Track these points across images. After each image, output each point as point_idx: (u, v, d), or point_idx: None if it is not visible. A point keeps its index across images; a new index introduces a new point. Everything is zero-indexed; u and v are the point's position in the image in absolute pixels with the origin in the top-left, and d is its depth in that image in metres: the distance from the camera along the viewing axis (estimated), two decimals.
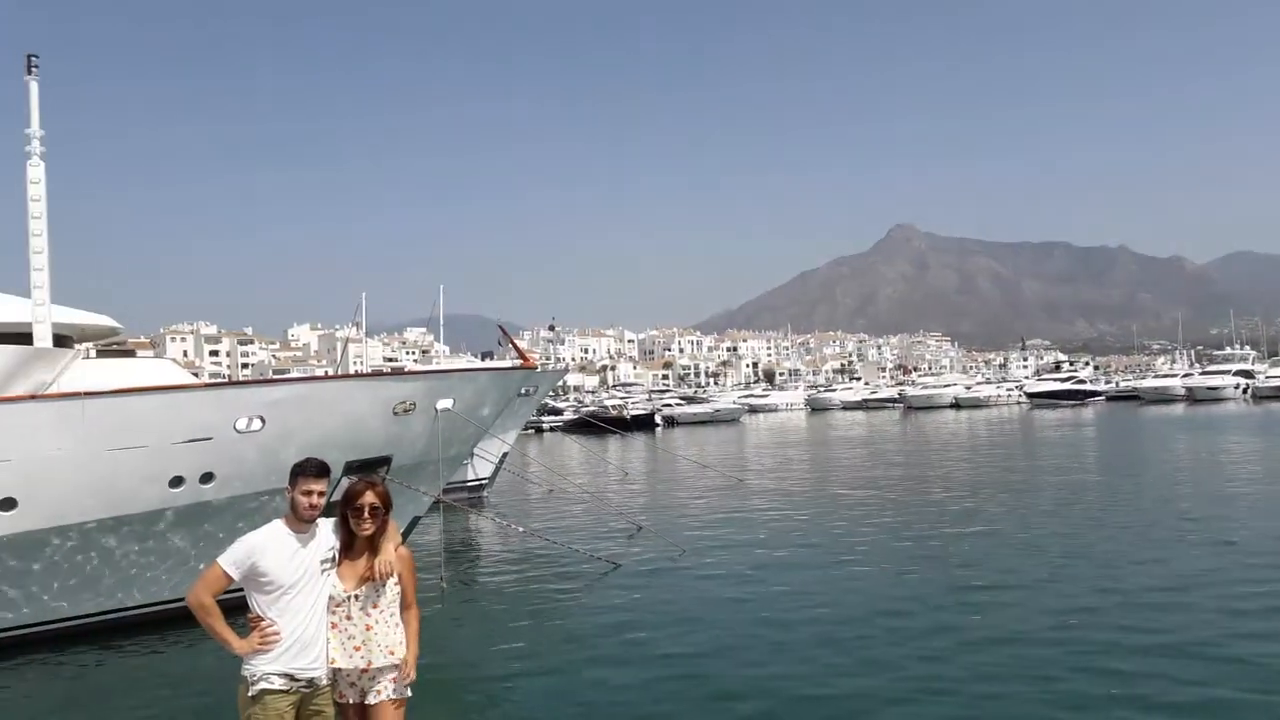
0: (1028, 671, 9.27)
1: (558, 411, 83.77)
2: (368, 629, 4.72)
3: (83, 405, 11.62)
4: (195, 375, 24.58)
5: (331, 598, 4.73)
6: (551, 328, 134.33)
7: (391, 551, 4.81)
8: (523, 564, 16.75)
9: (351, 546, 4.80)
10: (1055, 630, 10.69)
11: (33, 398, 11.93)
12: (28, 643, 11.89)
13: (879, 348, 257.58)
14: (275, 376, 56.70)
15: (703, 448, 47.43)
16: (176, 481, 12.27)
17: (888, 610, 11.92)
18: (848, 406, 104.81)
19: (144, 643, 12.13)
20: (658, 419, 78.70)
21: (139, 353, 20.51)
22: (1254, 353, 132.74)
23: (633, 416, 71.24)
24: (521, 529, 19.44)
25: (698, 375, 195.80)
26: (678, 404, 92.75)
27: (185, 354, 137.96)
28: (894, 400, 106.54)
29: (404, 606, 4.84)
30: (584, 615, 12.85)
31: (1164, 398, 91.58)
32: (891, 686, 9.07)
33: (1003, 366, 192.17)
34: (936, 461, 34.59)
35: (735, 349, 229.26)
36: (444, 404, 14.65)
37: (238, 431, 12.51)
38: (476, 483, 26.57)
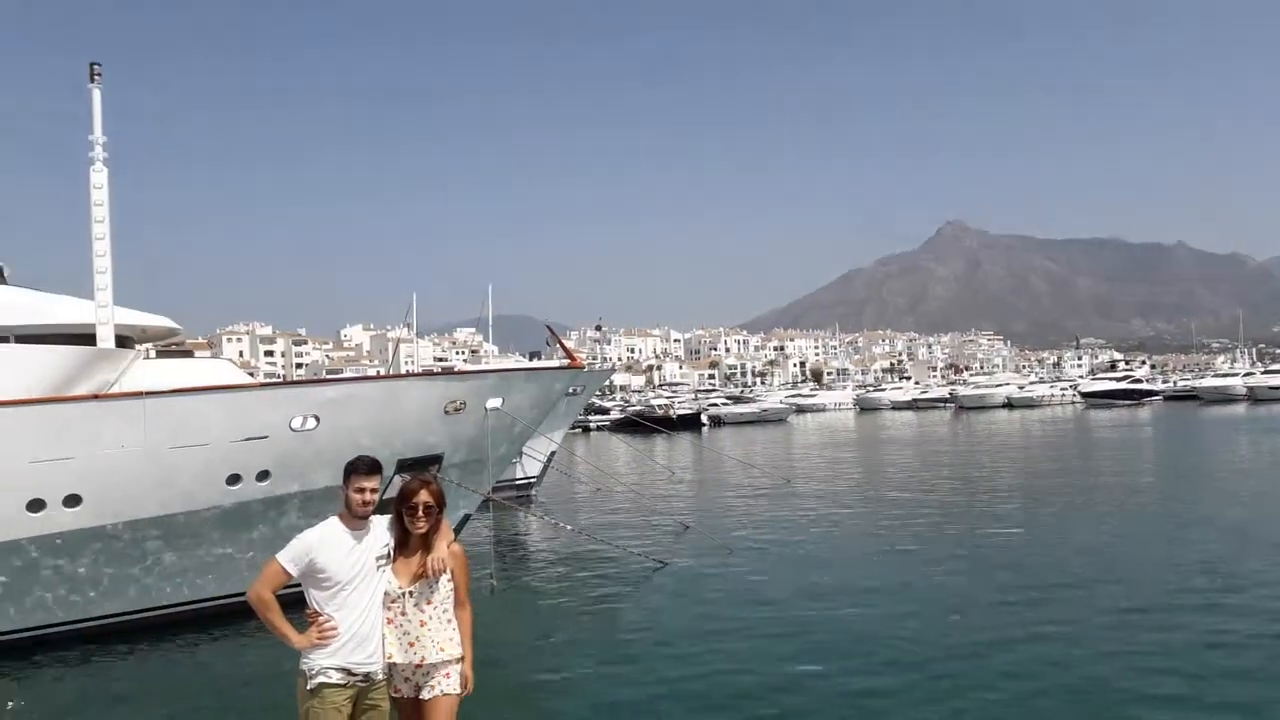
0: (1078, 681, 9.12)
1: (604, 411, 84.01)
2: (422, 625, 4.77)
3: (144, 405, 11.93)
4: (251, 375, 25.07)
5: (387, 594, 4.79)
6: (598, 327, 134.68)
7: (444, 549, 4.86)
8: (571, 562, 16.85)
9: (406, 544, 4.85)
10: (1108, 638, 10.49)
11: (96, 397, 12.28)
12: (90, 637, 12.23)
13: (929, 347, 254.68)
14: (329, 376, 57.67)
15: (749, 448, 47.26)
16: (234, 479, 12.55)
17: (937, 614, 11.79)
18: (897, 406, 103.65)
19: (201, 637, 12.42)
20: (704, 419, 78.52)
21: (197, 353, 20.94)
22: None
23: (679, 416, 71.16)
24: (569, 527, 19.55)
25: (744, 375, 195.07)
26: (724, 403, 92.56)
27: (241, 354, 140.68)
28: (945, 400, 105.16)
29: (457, 604, 4.89)
30: (633, 614, 12.88)
31: (1224, 398, 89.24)
32: (936, 689, 8.97)
33: (1056, 365, 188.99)
34: (989, 463, 34.09)
35: (782, 348, 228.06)
36: (493, 403, 14.80)
37: (293, 430, 12.75)
38: (525, 481, 26.76)
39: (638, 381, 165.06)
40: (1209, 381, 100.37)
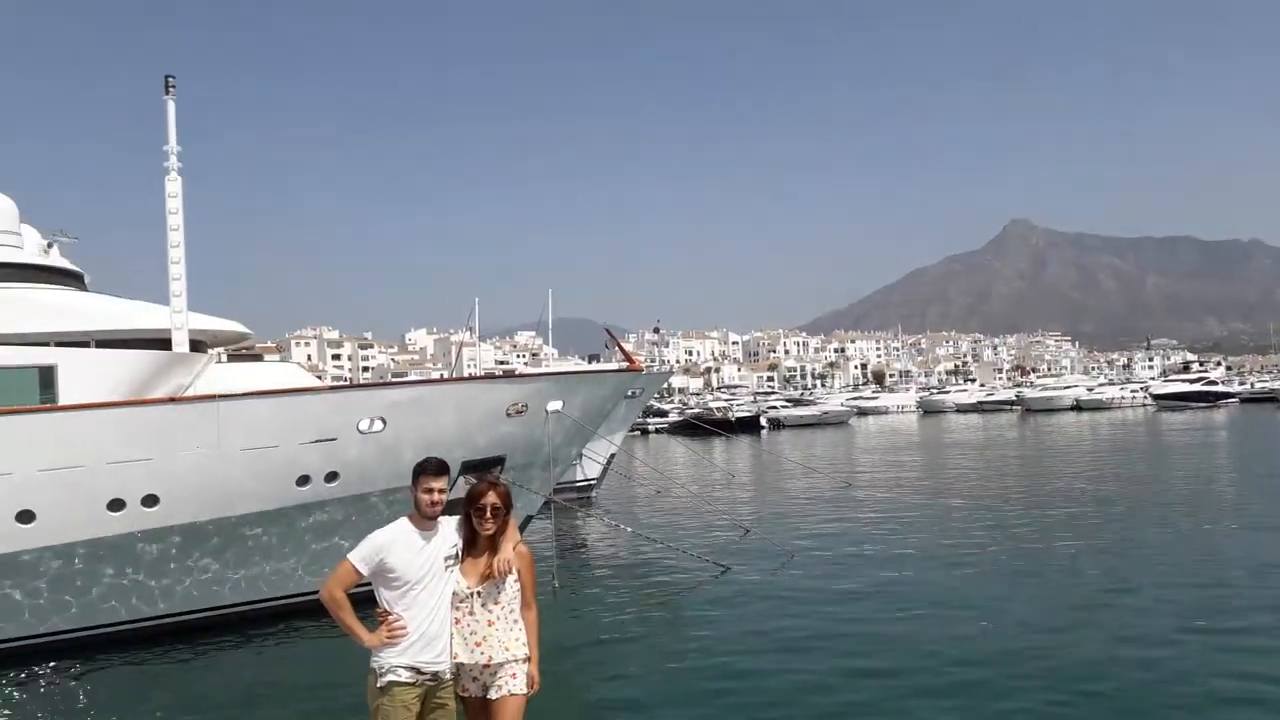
0: (1155, 696, 8.87)
1: (663, 413, 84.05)
2: (489, 625, 4.81)
3: (217, 407, 12.25)
4: (319, 378, 25.57)
5: (455, 594, 4.84)
6: (656, 330, 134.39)
7: (510, 550, 4.90)
8: (633, 564, 16.88)
9: (474, 544, 4.91)
10: (1183, 655, 10.18)
11: (172, 400, 12.65)
12: (162, 634, 12.59)
13: (995, 348, 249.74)
14: (395, 379, 58.55)
15: (809, 451, 46.85)
16: (303, 480, 12.82)
17: (1000, 625, 11.51)
18: (962, 409, 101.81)
19: (272, 635, 12.70)
20: (763, 421, 78.07)
21: (266, 357, 21.46)
22: None
23: (737, 419, 70.76)
24: (630, 529, 19.58)
25: (804, 377, 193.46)
26: (783, 406, 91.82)
27: (309, 358, 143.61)
28: (1011, 402, 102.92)
29: (524, 605, 4.92)
30: (694, 618, 12.84)
31: None
32: (1000, 707, 8.79)
33: (1126, 367, 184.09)
34: (1058, 467, 33.31)
35: (843, 350, 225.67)
36: (554, 405, 14.91)
37: (360, 432, 12.98)
38: (585, 483, 26.90)
39: (696, 384, 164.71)
40: None
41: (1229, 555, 15.12)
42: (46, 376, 12.78)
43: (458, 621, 4.84)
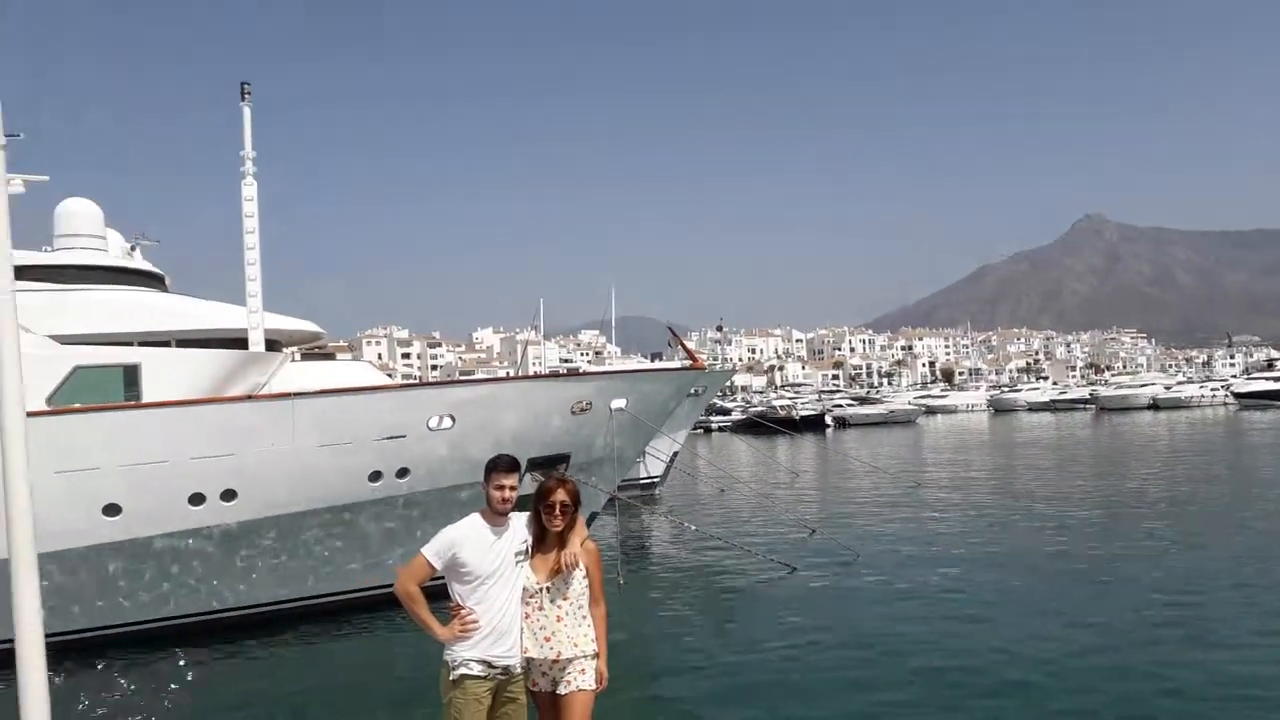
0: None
1: (726, 411, 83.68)
2: (558, 620, 4.85)
3: (293, 405, 12.57)
4: (389, 376, 26.05)
5: (525, 589, 4.89)
6: (719, 328, 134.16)
7: (578, 545, 4.93)
8: (698, 562, 16.87)
9: (543, 541, 4.95)
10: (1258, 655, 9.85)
11: (249, 398, 13.00)
12: (240, 626, 12.95)
13: (1068, 345, 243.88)
14: (462, 378, 59.43)
15: (876, 450, 46.25)
16: (375, 476, 13.09)
17: (1072, 632, 11.21)
18: (1034, 408, 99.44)
19: (343, 626, 12.99)
20: (828, 420, 77.26)
21: (338, 356, 21.93)
22: None
23: (802, 417, 70.13)
24: (694, 527, 19.57)
25: (870, 375, 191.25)
26: (849, 404, 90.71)
27: (380, 356, 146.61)
28: (1085, 401, 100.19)
29: (592, 601, 4.96)
30: (762, 617, 12.80)
31: None
32: (1063, 707, 8.60)
33: (1206, 365, 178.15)
34: (1135, 467, 32.36)
35: (910, 347, 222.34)
36: (618, 403, 14.99)
37: (430, 429, 13.21)
38: (649, 480, 26.96)
39: (759, 382, 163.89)
40: None
41: None
42: (131, 375, 13.23)
43: (527, 617, 4.89)
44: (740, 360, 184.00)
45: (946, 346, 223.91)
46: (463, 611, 4.83)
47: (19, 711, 3.71)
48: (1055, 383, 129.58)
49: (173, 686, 10.77)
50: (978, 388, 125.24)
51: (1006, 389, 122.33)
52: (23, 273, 14.32)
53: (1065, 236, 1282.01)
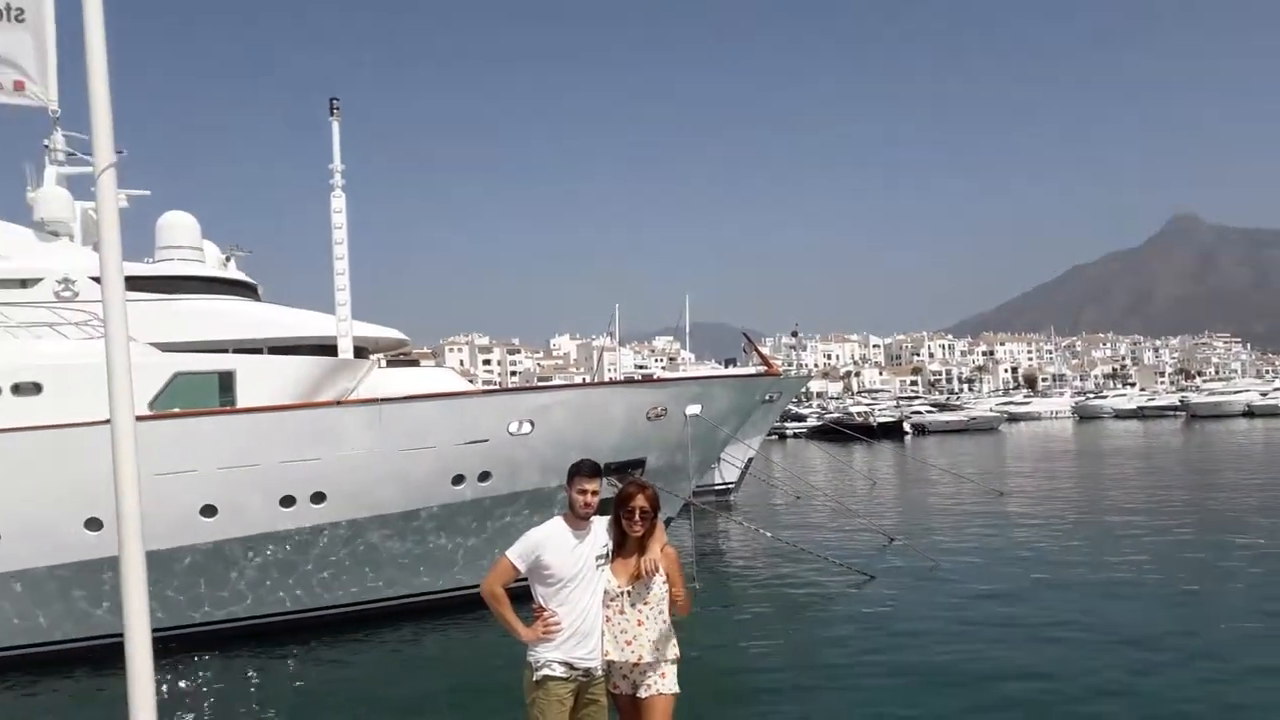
0: None
1: (801, 418, 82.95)
2: (639, 624, 4.94)
3: (379, 410, 12.96)
4: (471, 383, 26.56)
5: (606, 592, 4.99)
6: (794, 334, 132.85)
7: (658, 551, 5.01)
8: (774, 569, 16.82)
9: (623, 545, 5.05)
10: None
11: (338, 403, 13.45)
12: (328, 623, 13.36)
13: (1156, 350, 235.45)
14: (541, 384, 60.20)
15: (956, 458, 45.29)
16: (458, 479, 13.40)
17: (1152, 645, 10.92)
18: (1121, 415, 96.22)
19: (429, 627, 13.31)
20: (906, 427, 75.87)
21: (422, 362, 22.47)
22: None
23: (879, 424, 68.99)
24: (769, 534, 19.49)
25: (949, 381, 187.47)
26: (928, 411, 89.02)
27: (461, 363, 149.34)
28: (1175, 408, 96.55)
29: (672, 602, 5.04)
30: (840, 626, 12.73)
31: None
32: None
33: None
34: (1229, 477, 31.12)
35: (991, 353, 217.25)
36: (693, 409, 15.08)
37: (510, 434, 13.49)
38: (724, 486, 26.96)
39: (835, 388, 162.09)
40: None
41: None
42: (226, 381, 13.79)
43: (608, 620, 4.97)
44: (816, 366, 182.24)
45: (1029, 352, 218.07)
46: (545, 613, 4.92)
47: (126, 708, 3.74)
48: (1143, 389, 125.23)
49: (266, 683, 11.19)
50: (1062, 394, 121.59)
51: (1092, 395, 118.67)
52: (128, 283, 14.99)
53: (1155, 238, 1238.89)
